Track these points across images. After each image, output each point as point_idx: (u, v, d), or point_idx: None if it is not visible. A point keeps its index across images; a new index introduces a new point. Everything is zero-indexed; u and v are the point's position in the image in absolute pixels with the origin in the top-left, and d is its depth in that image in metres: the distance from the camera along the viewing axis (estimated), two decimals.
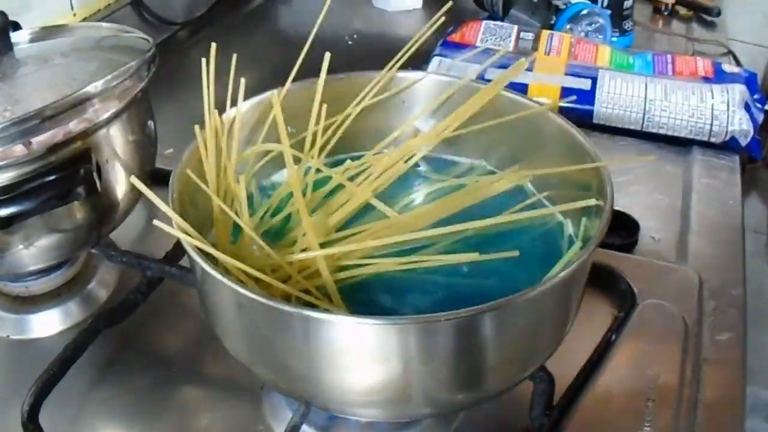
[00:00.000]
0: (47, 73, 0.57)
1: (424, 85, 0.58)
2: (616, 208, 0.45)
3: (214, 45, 0.51)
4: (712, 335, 0.58)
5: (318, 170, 0.53)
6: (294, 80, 0.55)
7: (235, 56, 0.53)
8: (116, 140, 0.55)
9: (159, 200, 0.43)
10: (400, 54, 0.57)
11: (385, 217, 0.48)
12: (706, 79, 0.85)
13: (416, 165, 0.58)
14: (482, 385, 0.43)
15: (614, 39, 1.03)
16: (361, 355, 0.39)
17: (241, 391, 0.54)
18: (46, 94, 0.52)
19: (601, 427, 0.51)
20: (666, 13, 1.20)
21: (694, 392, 0.53)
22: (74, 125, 0.51)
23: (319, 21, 0.54)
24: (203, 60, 0.51)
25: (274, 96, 0.53)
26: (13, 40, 0.59)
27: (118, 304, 0.57)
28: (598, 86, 0.84)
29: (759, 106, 0.83)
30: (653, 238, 0.69)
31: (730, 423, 0.52)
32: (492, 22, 0.98)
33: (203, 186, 0.47)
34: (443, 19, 0.59)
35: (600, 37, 1.01)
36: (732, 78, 0.85)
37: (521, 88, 0.85)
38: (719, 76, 0.86)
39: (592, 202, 0.46)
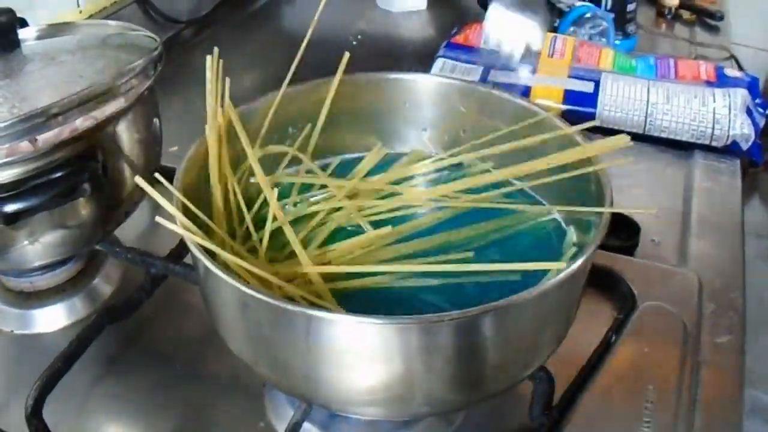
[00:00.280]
0: (54, 70, 0.57)
1: (428, 87, 0.58)
2: (617, 210, 0.45)
3: (216, 50, 0.51)
4: (712, 338, 0.59)
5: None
6: (297, 80, 0.55)
7: (216, 58, 0.53)
8: (122, 138, 0.55)
9: (162, 198, 0.43)
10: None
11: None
12: (709, 83, 0.86)
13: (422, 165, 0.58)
14: (483, 385, 0.44)
15: (617, 42, 1.03)
16: (363, 355, 0.40)
17: (243, 388, 0.54)
18: (52, 92, 0.53)
19: (600, 428, 0.52)
20: (669, 17, 1.20)
21: (693, 394, 0.54)
22: (80, 123, 0.51)
23: (314, 21, 0.54)
24: (208, 57, 0.51)
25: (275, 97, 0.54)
26: (20, 37, 0.59)
27: (123, 300, 0.58)
28: (600, 89, 0.84)
29: (761, 110, 0.83)
30: (654, 240, 0.70)
31: (728, 425, 0.52)
32: None
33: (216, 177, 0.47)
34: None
35: (603, 40, 1.01)
36: (734, 82, 0.85)
37: (524, 91, 0.85)
38: (721, 80, 0.86)
39: (592, 209, 0.47)
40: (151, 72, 0.57)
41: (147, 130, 0.58)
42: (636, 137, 0.84)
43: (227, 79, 0.52)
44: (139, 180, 0.44)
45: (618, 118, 0.83)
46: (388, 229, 0.48)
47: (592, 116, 0.84)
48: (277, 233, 0.49)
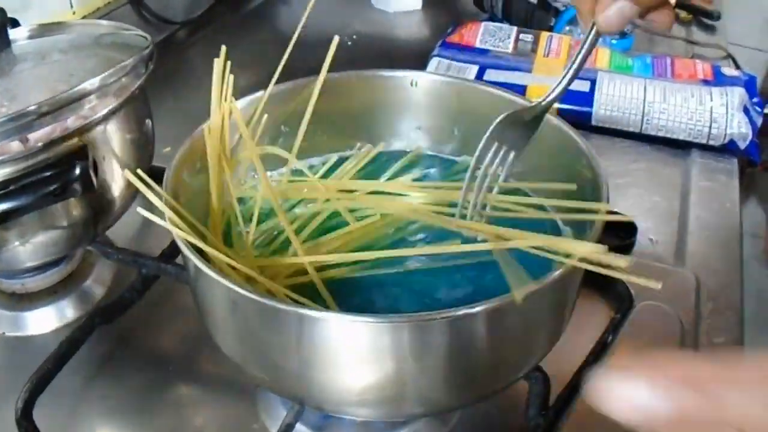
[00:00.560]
0: (45, 69, 0.57)
1: (423, 86, 0.58)
2: (614, 210, 0.45)
3: (224, 48, 0.51)
4: (709, 338, 0.58)
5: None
6: (288, 79, 0.55)
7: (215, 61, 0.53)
8: (113, 137, 0.55)
9: (151, 193, 0.43)
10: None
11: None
12: (706, 82, 0.85)
13: (415, 163, 0.58)
14: (477, 385, 0.43)
15: (614, 41, 1.03)
16: (354, 354, 0.39)
17: (235, 389, 0.53)
18: (43, 91, 0.52)
19: (597, 429, 0.51)
20: None
21: None
22: (71, 122, 0.51)
23: (303, 20, 0.53)
24: (215, 60, 0.51)
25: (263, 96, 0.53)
26: (11, 36, 0.59)
27: (114, 301, 0.57)
28: (597, 88, 0.84)
29: (758, 109, 0.83)
30: (651, 240, 0.69)
31: None
32: (491, 24, 0.98)
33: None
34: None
35: (599, 39, 1.00)
36: (731, 81, 0.85)
37: (520, 90, 0.85)
38: (718, 79, 0.86)
39: (591, 205, 0.46)
40: (142, 71, 0.56)
41: (138, 129, 0.58)
42: (633, 136, 0.84)
43: (231, 76, 0.52)
44: (129, 174, 0.43)
45: (615, 117, 0.83)
46: (376, 217, 0.48)
47: (588, 115, 0.83)
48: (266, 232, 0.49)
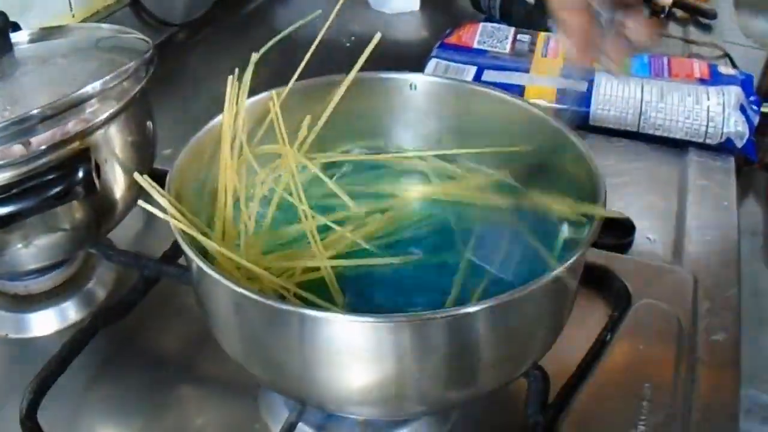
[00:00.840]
0: (46, 73, 0.57)
1: (420, 87, 0.58)
2: (611, 209, 0.45)
3: (254, 55, 0.52)
4: (707, 336, 0.58)
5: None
6: (288, 81, 0.55)
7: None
8: (115, 140, 0.55)
9: (157, 193, 0.43)
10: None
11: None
12: (702, 81, 0.86)
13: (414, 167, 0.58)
14: (476, 383, 0.44)
15: None
16: (355, 353, 0.40)
17: (238, 389, 0.54)
18: (45, 95, 0.52)
19: (596, 426, 0.52)
20: (663, 16, 1.20)
21: (689, 392, 0.54)
22: (73, 125, 0.51)
23: (298, 23, 0.54)
24: (236, 70, 0.52)
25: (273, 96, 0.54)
26: (12, 40, 0.59)
27: (116, 303, 0.57)
28: (594, 88, 0.84)
29: (755, 108, 0.83)
30: (648, 238, 0.70)
31: (724, 424, 0.52)
32: (489, 24, 0.99)
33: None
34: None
35: None
36: (728, 80, 0.85)
37: (517, 90, 0.85)
38: (715, 78, 0.86)
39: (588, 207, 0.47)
40: (143, 74, 0.57)
41: (140, 132, 0.58)
42: (630, 136, 0.84)
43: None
44: (138, 177, 0.44)
45: (612, 117, 0.83)
46: (378, 215, 0.48)
47: (586, 115, 0.84)
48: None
